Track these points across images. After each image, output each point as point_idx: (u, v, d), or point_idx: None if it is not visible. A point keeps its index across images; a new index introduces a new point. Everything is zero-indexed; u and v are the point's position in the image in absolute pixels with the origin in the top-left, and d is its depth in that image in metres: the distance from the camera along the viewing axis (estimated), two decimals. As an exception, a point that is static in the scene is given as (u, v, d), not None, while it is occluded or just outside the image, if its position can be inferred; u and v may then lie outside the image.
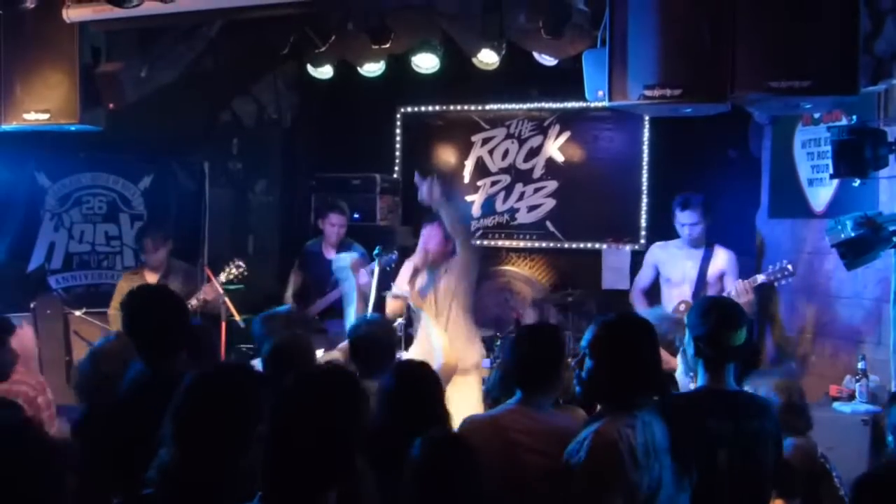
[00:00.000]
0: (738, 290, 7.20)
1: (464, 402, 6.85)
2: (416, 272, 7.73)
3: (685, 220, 7.68)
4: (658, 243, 8.11)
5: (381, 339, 5.71)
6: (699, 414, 4.04)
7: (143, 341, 4.58)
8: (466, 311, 7.72)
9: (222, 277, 8.31)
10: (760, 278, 7.25)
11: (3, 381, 5.35)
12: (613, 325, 4.04)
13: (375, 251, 7.73)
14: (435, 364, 5.89)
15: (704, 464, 3.92)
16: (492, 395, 5.35)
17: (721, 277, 7.64)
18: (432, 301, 7.72)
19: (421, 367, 4.62)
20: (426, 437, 3.72)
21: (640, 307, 7.90)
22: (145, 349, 4.55)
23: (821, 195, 7.61)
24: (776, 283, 7.28)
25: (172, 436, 3.35)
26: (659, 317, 5.01)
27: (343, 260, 8.36)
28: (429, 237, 7.70)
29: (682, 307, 7.45)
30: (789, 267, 7.11)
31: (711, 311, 4.27)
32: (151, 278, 8.38)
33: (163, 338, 4.58)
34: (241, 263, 8.45)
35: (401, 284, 7.82)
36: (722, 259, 7.67)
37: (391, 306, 7.83)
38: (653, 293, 8.03)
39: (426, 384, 4.46)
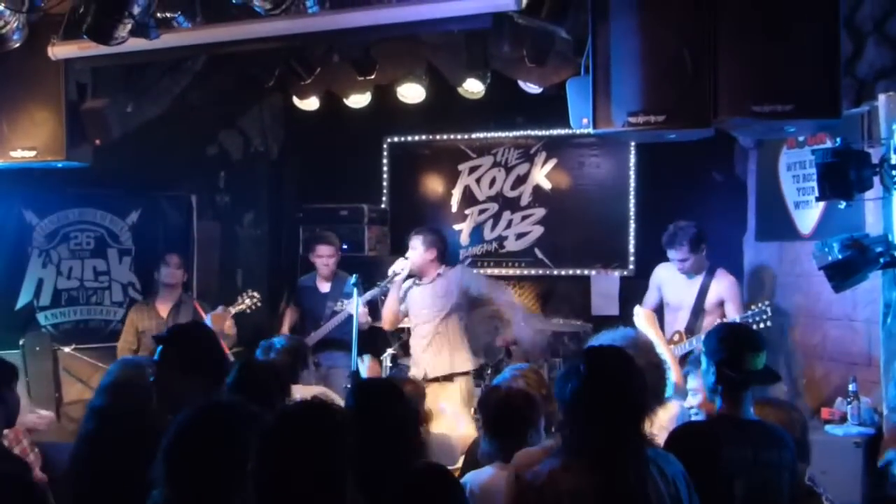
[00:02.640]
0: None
1: (448, 406, 6.98)
2: (399, 284, 7.96)
3: (672, 256, 7.69)
4: (663, 264, 8.07)
5: (268, 368, 5.64)
6: (715, 443, 4.02)
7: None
8: (457, 320, 7.98)
9: (237, 308, 8.35)
10: (737, 321, 7.17)
11: (12, 426, 5.28)
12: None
13: (352, 280, 7.74)
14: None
15: (720, 493, 3.88)
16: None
17: (721, 304, 7.60)
18: (417, 310, 7.93)
19: (385, 389, 4.54)
20: (409, 473, 3.64)
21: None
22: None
23: (807, 217, 7.62)
24: (755, 326, 7.02)
25: (165, 476, 3.34)
26: (616, 338, 4.91)
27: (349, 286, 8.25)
28: (411, 248, 7.94)
29: (676, 337, 7.42)
30: (769, 310, 7.05)
31: (731, 335, 4.27)
32: (163, 309, 8.43)
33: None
34: (255, 294, 8.49)
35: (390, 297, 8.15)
36: (722, 285, 7.64)
37: (385, 319, 8.16)
38: (659, 316, 7.91)
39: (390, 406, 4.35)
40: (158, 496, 3.37)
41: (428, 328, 7.91)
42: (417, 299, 8.03)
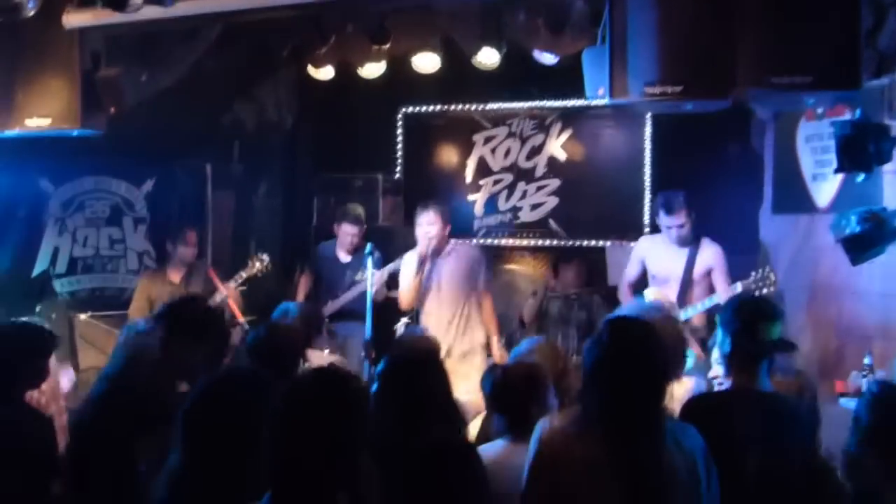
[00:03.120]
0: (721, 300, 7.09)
1: (467, 382, 6.98)
2: (422, 262, 7.82)
3: (670, 223, 7.64)
4: (646, 236, 8.05)
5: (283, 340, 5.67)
6: (728, 415, 4.01)
7: None
8: (466, 299, 7.98)
9: (246, 272, 8.37)
10: (739, 287, 7.15)
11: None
12: None
13: (367, 249, 7.74)
14: None
15: (734, 465, 3.86)
16: None
17: (709, 273, 7.55)
18: (437, 287, 7.86)
19: (420, 360, 4.56)
20: (425, 446, 3.64)
21: (627, 302, 7.81)
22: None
23: (825, 190, 7.58)
24: (757, 292, 7.08)
25: (181, 442, 3.36)
26: (642, 308, 4.90)
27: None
28: (428, 223, 7.81)
29: (667, 304, 7.37)
30: (772, 275, 7.01)
31: (745, 305, 4.27)
32: (175, 276, 8.45)
33: None
34: (264, 256, 8.50)
35: (406, 276, 8.07)
36: (709, 254, 7.57)
37: (405, 298, 8.10)
38: (642, 288, 7.86)
39: (423, 378, 4.36)
40: (175, 460, 3.39)
41: (452, 305, 7.93)
42: (437, 272, 8.02)
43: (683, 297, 7.48)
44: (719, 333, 4.34)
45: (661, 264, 7.72)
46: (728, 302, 4.53)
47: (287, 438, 2.88)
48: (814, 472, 4.28)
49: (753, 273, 7.12)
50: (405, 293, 8.11)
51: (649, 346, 3.61)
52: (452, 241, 8.08)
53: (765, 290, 7.02)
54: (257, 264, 8.48)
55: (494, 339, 8.05)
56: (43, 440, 4.67)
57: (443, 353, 7.63)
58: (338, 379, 3.04)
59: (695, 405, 4.16)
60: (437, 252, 8.01)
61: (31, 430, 4.65)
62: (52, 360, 5.34)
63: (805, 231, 7.87)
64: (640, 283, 7.90)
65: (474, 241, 8.17)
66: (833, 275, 7.43)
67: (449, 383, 4.47)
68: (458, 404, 4.56)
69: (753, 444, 3.95)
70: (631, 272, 8.02)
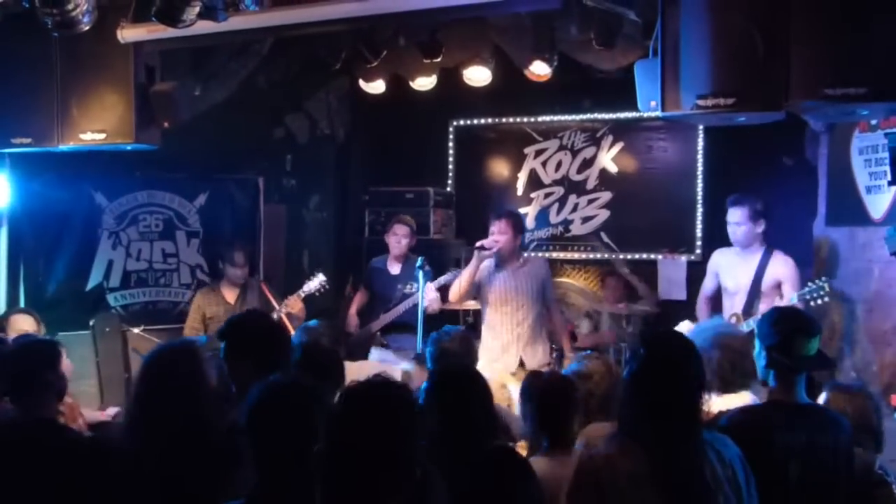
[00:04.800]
0: None
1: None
2: (480, 258, 7.85)
3: (730, 218, 7.57)
4: (720, 249, 7.98)
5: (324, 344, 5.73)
6: (768, 427, 3.98)
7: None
8: (538, 314, 7.93)
9: (305, 291, 8.39)
10: (795, 298, 7.08)
11: (60, 400, 5.36)
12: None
13: (418, 263, 7.77)
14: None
15: (774, 478, 3.84)
16: None
17: (778, 286, 7.45)
18: (503, 300, 7.82)
19: (461, 375, 4.55)
20: (478, 454, 3.66)
21: (703, 317, 7.75)
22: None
23: (879, 202, 7.51)
24: (812, 304, 7.01)
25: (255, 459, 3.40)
26: (703, 338, 4.86)
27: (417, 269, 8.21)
28: (499, 231, 7.80)
29: (733, 320, 7.31)
30: (826, 286, 6.94)
31: (783, 319, 4.22)
32: (230, 295, 8.48)
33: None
34: (320, 274, 8.53)
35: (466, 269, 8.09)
36: (779, 266, 7.47)
37: (454, 291, 8.09)
38: (718, 302, 7.85)
39: (464, 392, 4.27)
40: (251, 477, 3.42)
41: (523, 314, 7.86)
42: (511, 284, 7.92)
43: (750, 309, 7.41)
44: (756, 345, 4.31)
45: (732, 275, 7.64)
46: (765, 315, 4.48)
47: (340, 447, 2.88)
48: (866, 485, 4.24)
49: (810, 283, 7.04)
50: (455, 284, 8.09)
51: (686, 358, 3.62)
52: (523, 254, 8.04)
53: (819, 301, 6.95)
54: (315, 283, 8.47)
55: (566, 351, 8.02)
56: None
57: (512, 363, 7.67)
58: (387, 388, 3.04)
59: (734, 418, 4.12)
60: (505, 262, 7.95)
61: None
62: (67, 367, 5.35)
63: (860, 243, 7.80)
64: (717, 297, 7.83)
65: (525, 254, 8.11)
66: (888, 287, 7.37)
67: (487, 395, 4.45)
68: (497, 416, 4.54)
69: (794, 456, 3.93)
70: (707, 286, 7.94)
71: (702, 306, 7.94)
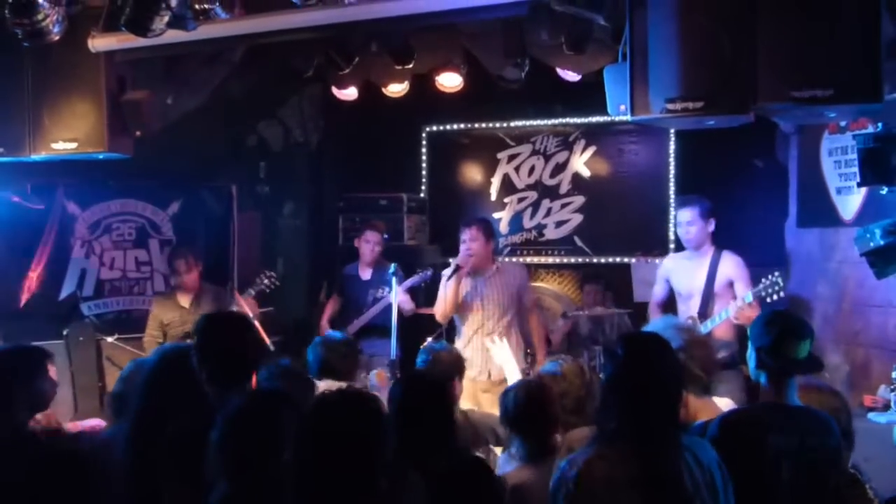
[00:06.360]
0: (734, 313, 7.05)
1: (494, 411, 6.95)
2: (457, 274, 7.76)
3: (681, 218, 7.60)
4: (670, 255, 8.01)
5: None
6: (760, 429, 3.99)
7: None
8: (509, 322, 7.86)
9: (256, 289, 8.38)
10: (750, 298, 7.07)
11: (44, 409, 5.33)
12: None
13: (391, 269, 7.78)
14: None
15: (766, 480, 3.87)
16: None
17: (731, 286, 7.46)
18: (479, 307, 7.79)
19: (424, 385, 4.53)
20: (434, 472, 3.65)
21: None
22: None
23: (849, 203, 7.57)
24: (769, 300, 6.95)
25: (223, 470, 3.38)
26: (667, 327, 4.87)
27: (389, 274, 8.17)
28: (471, 238, 7.79)
29: (690, 322, 7.31)
30: (780, 281, 6.93)
31: (775, 321, 4.23)
32: (184, 301, 8.42)
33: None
34: (272, 273, 8.50)
35: (443, 288, 7.94)
36: (730, 266, 7.44)
37: (439, 310, 7.98)
38: (670, 307, 7.85)
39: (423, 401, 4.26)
40: (221, 489, 3.40)
41: (497, 324, 7.79)
42: (482, 292, 7.86)
43: (705, 311, 7.43)
44: (749, 348, 4.33)
45: (684, 280, 7.66)
46: (758, 317, 4.49)
47: (311, 456, 2.90)
48: (844, 486, 4.26)
49: (763, 280, 7.03)
50: (440, 304, 7.97)
51: (663, 360, 3.61)
52: (497, 259, 8.04)
53: (775, 297, 6.94)
54: (265, 280, 8.47)
55: (540, 357, 7.95)
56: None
57: (481, 374, 7.66)
58: (358, 397, 3.07)
59: (726, 421, 4.14)
60: (478, 270, 7.89)
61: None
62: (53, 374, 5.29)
63: (830, 244, 7.85)
64: (669, 303, 7.86)
65: (501, 260, 8.11)
66: (859, 288, 7.41)
67: (449, 406, 4.44)
68: (456, 427, 4.51)
69: (786, 458, 3.93)
70: (658, 291, 7.96)
71: (654, 312, 7.96)
